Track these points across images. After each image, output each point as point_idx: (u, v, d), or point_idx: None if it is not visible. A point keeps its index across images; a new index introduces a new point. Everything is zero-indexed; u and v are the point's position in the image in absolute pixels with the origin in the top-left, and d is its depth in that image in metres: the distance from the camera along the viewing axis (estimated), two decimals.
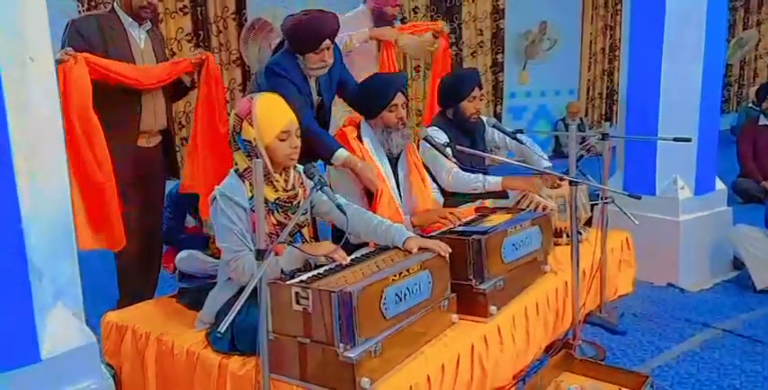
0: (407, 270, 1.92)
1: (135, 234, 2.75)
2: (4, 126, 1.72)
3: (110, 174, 2.49)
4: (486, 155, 2.89)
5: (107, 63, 2.54)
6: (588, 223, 3.25)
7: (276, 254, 1.65)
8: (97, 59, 2.50)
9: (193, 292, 2.45)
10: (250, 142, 2.08)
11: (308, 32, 2.60)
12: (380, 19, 3.67)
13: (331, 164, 2.61)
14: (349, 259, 2.04)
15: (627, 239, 3.22)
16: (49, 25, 1.87)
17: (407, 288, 1.90)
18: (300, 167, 2.22)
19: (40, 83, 1.85)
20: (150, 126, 2.81)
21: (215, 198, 2.05)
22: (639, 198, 2.30)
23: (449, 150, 2.66)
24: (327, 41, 2.61)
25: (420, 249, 2.09)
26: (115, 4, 2.77)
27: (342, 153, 2.56)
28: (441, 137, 3.04)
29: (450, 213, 2.58)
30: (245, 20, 5.72)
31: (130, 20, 2.75)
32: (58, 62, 2.37)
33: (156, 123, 2.83)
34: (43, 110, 1.88)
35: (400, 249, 2.12)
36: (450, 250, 2.10)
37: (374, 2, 3.66)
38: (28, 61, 1.80)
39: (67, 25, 2.65)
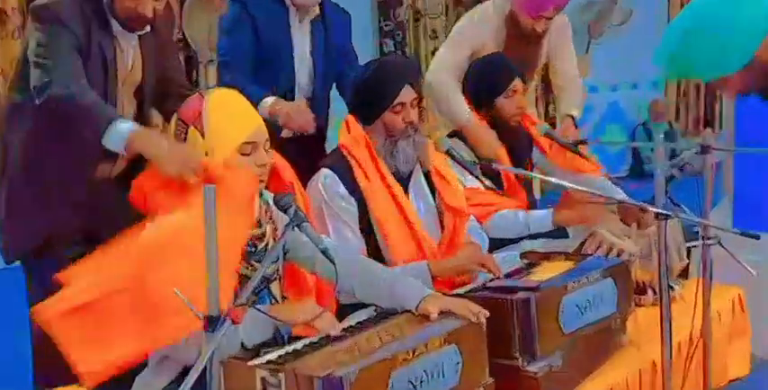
0: (425, 346, 1.90)
1: None
2: None
3: None
4: (537, 175, 2.90)
5: None
6: (684, 274, 3.24)
7: (234, 322, 1.64)
8: None
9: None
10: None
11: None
12: (516, 30, 3.70)
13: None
14: (340, 327, 2.03)
15: (740, 297, 3.21)
16: None
17: (425, 372, 1.89)
18: (269, 195, 2.22)
19: None
20: None
21: None
22: (758, 237, 2.29)
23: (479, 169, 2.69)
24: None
25: (442, 313, 2.08)
26: None
27: None
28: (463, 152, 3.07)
29: (488, 259, 2.57)
30: None
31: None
32: None
33: None
34: None
35: (413, 313, 2.11)
36: (488, 314, 2.09)
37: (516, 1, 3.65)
38: None
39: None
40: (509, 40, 3.72)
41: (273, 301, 2.22)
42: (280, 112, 3.11)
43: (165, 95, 2.95)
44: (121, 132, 2.43)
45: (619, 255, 2.81)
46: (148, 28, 2.85)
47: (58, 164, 2.74)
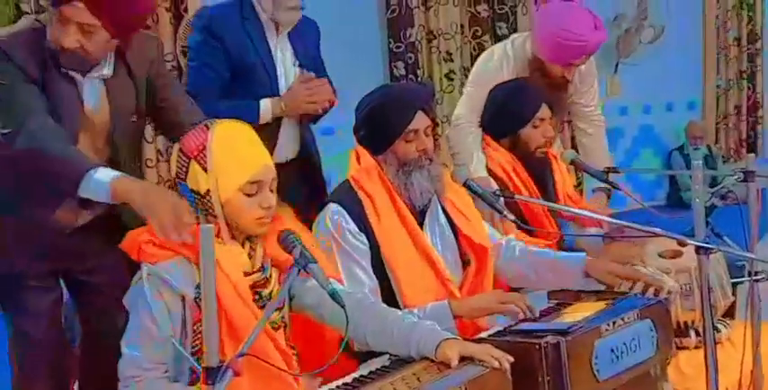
0: None
1: None
2: None
3: None
4: (566, 208, 2.89)
5: None
6: (730, 313, 3.22)
7: (236, 375, 1.64)
8: None
9: None
10: (200, 195, 2.11)
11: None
12: (542, 76, 3.66)
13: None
14: (352, 377, 2.04)
15: None
16: None
17: None
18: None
19: None
20: None
21: (140, 278, 2.08)
22: None
23: (502, 202, 2.69)
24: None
25: (463, 359, 2.06)
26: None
27: None
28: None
29: (518, 298, 2.56)
30: (186, 10, 5.86)
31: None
32: None
33: None
34: None
35: (431, 360, 2.10)
36: (512, 360, 2.08)
37: (543, 47, 3.60)
38: None
39: None
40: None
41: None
42: (297, 93, 3.26)
43: (168, 126, 2.95)
44: (101, 182, 2.38)
45: (657, 293, 2.78)
46: (106, 70, 2.76)
47: (31, 206, 2.75)
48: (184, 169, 2.14)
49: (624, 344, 2.37)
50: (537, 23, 3.77)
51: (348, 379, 2.06)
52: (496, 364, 2.04)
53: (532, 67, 3.66)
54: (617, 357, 2.34)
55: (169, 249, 2.10)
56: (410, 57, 6.76)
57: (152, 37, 3.05)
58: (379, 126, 2.71)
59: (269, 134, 3.08)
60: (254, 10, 3.32)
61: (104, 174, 2.39)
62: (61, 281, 2.91)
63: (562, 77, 3.64)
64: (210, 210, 2.11)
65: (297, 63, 3.40)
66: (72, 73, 2.72)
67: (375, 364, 2.21)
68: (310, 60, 3.46)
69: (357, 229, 2.63)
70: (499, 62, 3.71)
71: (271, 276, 2.21)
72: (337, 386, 2.00)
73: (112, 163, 2.75)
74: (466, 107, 3.64)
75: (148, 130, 5.79)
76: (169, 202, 2.15)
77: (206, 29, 3.31)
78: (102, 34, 2.56)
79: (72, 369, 3.11)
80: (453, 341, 2.11)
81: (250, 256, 2.18)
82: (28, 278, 2.79)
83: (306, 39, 3.45)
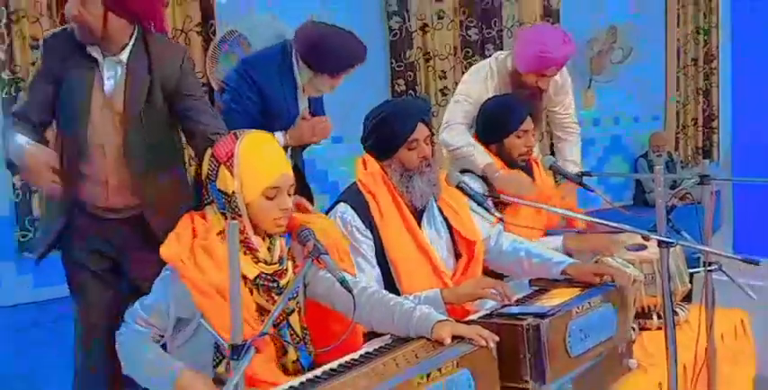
0: (438, 370, 1.89)
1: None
2: None
3: None
4: (546, 207, 2.89)
5: None
6: (687, 298, 3.22)
7: (258, 351, 1.65)
8: None
9: None
10: (227, 195, 2.11)
11: (337, 52, 3.17)
12: (519, 87, 3.72)
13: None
14: (358, 354, 2.03)
15: (742, 321, 3.18)
16: None
17: None
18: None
19: None
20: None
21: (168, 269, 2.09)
22: (757, 263, 2.28)
23: (490, 202, 2.69)
24: (350, 70, 3.02)
25: (455, 338, 2.07)
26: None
27: None
28: (475, 186, 3.07)
29: (500, 284, 2.57)
30: (214, 33, 5.86)
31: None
32: None
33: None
34: None
35: (428, 339, 2.10)
36: (497, 339, 2.08)
37: (521, 60, 3.66)
38: None
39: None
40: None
41: (292, 332, 2.23)
42: (302, 131, 3.39)
43: (191, 133, 2.91)
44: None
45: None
46: (124, 56, 2.76)
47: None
48: (214, 172, 2.14)
49: (590, 325, 2.38)
50: (518, 40, 3.81)
51: (355, 355, 2.06)
52: (483, 343, 2.04)
53: (512, 79, 3.71)
54: (585, 335, 2.34)
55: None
56: (409, 75, 6.76)
57: (177, 45, 3.06)
58: (385, 135, 2.70)
59: None
60: (291, 71, 3.45)
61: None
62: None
63: (537, 87, 3.67)
64: (236, 209, 2.12)
65: (309, 109, 3.57)
66: (93, 53, 2.73)
67: (378, 343, 2.21)
68: (319, 104, 3.66)
69: (363, 226, 2.63)
70: (484, 75, 3.77)
71: (287, 268, 2.21)
72: (347, 361, 1.99)
73: (124, 147, 2.76)
74: (455, 114, 3.68)
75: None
76: None
77: (249, 77, 3.44)
78: (96, 3, 2.61)
79: None
80: (446, 323, 2.11)
81: (269, 250, 2.18)
82: (88, 270, 2.84)
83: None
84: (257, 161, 2.11)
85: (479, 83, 3.73)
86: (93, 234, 2.84)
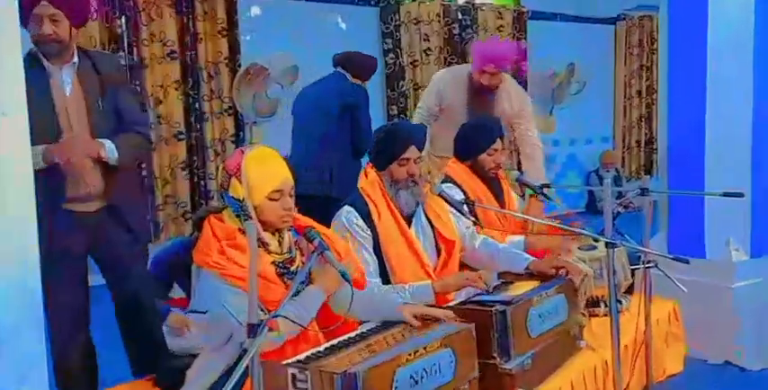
0: (424, 349, 1.89)
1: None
2: None
3: None
4: (515, 213, 2.88)
5: None
6: (629, 290, 3.22)
7: (271, 330, 1.64)
8: None
9: (174, 371, 2.42)
10: (239, 201, 2.11)
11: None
12: (473, 84, 4.02)
13: None
14: (354, 334, 2.04)
15: (674, 309, 3.18)
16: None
17: (425, 370, 1.87)
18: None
19: (12, 137, 1.89)
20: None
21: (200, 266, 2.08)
22: (687, 262, 2.28)
23: (466, 208, 2.69)
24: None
25: (418, 317, 2.10)
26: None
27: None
28: (455, 194, 3.07)
29: (479, 276, 2.57)
30: (239, 65, 5.87)
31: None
32: None
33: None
34: (14, 166, 1.91)
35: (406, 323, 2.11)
36: (452, 315, 2.12)
37: (473, 59, 4.02)
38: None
39: None
40: (470, 94, 4.03)
41: None
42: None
43: (117, 131, 2.77)
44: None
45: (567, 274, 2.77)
46: (75, 59, 2.69)
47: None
48: (227, 182, 2.14)
49: (547, 311, 2.39)
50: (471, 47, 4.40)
51: (352, 334, 2.06)
52: (444, 319, 2.10)
53: (470, 80, 4.01)
54: (543, 320, 2.36)
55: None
56: (401, 102, 6.79)
57: (112, 55, 2.97)
58: (383, 151, 2.72)
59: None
60: None
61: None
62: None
63: (481, 83, 3.93)
64: (248, 212, 2.11)
65: None
66: (49, 66, 2.65)
67: (371, 325, 2.20)
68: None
69: (365, 225, 2.64)
70: (442, 74, 4.21)
71: (295, 257, 2.21)
72: (347, 338, 2.00)
73: (93, 131, 2.67)
74: (421, 103, 4.27)
75: (210, 152, 5.86)
76: None
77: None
78: (65, 21, 2.61)
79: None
80: (409, 306, 2.16)
81: (279, 243, 2.19)
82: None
83: None
84: (261, 170, 2.11)
85: (438, 81, 4.17)
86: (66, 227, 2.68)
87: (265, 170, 2.12)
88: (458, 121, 3.61)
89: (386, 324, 2.15)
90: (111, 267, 2.85)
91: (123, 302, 2.88)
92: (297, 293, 2.18)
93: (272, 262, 2.14)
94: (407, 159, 2.68)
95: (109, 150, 2.68)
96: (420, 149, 2.73)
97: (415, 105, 6.88)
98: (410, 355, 1.84)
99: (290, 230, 2.23)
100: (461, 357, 2.00)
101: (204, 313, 2.19)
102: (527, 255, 2.85)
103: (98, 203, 2.76)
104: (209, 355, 2.11)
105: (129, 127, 2.80)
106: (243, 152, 2.15)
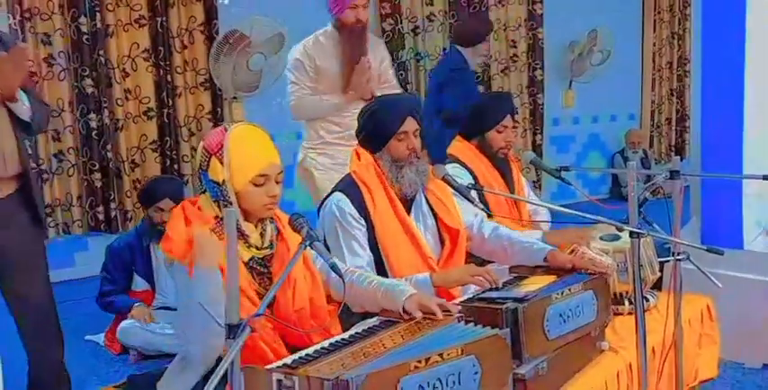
0: (440, 356, 1.81)
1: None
2: None
3: None
4: (525, 199, 2.89)
5: None
6: (657, 286, 3.23)
7: (253, 331, 1.64)
8: None
9: (147, 377, 2.44)
10: (218, 184, 2.10)
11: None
12: (348, 33, 3.92)
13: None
14: (347, 334, 2.03)
15: (708, 307, 3.19)
16: None
17: (439, 380, 1.80)
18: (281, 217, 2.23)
19: None
20: None
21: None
22: (722, 253, 2.29)
23: (474, 194, 2.69)
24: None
25: (424, 312, 2.10)
26: None
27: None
28: (462, 177, 3.07)
29: (486, 272, 2.57)
30: (217, 32, 5.84)
31: None
32: None
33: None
34: None
35: (414, 323, 2.09)
36: (454, 311, 2.12)
37: (334, 11, 3.94)
38: None
39: None
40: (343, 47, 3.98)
41: None
42: None
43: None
44: None
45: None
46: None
47: None
48: (206, 162, 2.13)
49: (570, 310, 2.38)
50: None
51: (346, 335, 2.06)
52: (440, 315, 2.08)
53: (340, 33, 3.94)
54: (564, 320, 2.34)
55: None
56: (401, 74, 6.77)
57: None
58: (376, 128, 2.71)
59: None
60: None
61: None
62: None
63: (360, 22, 3.90)
64: (228, 197, 2.11)
65: None
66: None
67: (368, 324, 2.20)
68: None
69: (357, 214, 2.64)
70: (315, 36, 4.04)
71: (277, 251, 2.20)
72: (350, 335, 2.01)
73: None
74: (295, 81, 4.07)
75: (184, 131, 5.85)
76: None
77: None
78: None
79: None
80: (416, 297, 2.15)
81: (261, 235, 2.18)
82: None
83: None
84: (245, 150, 2.10)
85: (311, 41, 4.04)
86: None
87: (251, 151, 2.11)
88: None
89: (386, 323, 2.14)
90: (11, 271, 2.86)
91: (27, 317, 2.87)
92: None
93: (248, 261, 2.14)
94: (406, 132, 2.68)
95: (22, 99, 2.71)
96: (416, 120, 2.73)
97: (417, 78, 6.95)
98: (419, 362, 1.77)
99: (272, 222, 2.22)
100: (488, 368, 1.92)
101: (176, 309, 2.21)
102: (544, 245, 2.84)
103: (10, 185, 2.78)
104: (180, 364, 2.11)
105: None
106: (226, 129, 2.14)
